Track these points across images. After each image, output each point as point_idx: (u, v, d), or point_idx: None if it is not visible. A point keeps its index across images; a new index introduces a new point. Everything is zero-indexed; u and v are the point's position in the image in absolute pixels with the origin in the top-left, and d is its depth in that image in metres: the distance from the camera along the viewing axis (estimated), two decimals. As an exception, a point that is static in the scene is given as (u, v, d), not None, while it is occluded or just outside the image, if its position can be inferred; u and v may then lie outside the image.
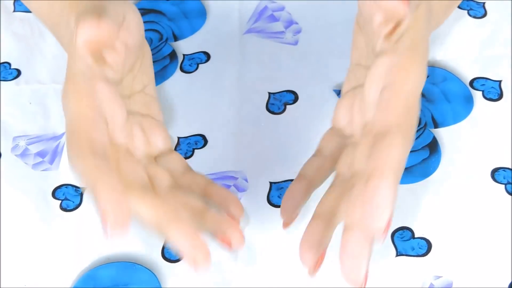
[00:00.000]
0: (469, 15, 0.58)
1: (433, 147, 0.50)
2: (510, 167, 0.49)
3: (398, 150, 0.33)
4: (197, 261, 0.37)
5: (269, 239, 0.47)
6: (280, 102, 0.54)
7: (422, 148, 0.50)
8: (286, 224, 0.42)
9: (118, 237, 0.34)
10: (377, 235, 0.32)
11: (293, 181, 0.42)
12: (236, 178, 0.50)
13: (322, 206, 0.39)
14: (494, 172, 0.49)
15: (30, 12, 0.60)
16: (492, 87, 0.53)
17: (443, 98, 0.53)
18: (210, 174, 0.50)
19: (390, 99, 0.35)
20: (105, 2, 0.40)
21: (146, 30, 0.52)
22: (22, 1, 0.56)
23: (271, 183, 0.50)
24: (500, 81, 0.54)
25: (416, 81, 0.36)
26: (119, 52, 0.40)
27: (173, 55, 0.57)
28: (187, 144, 0.52)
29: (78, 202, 0.49)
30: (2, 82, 0.56)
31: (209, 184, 0.43)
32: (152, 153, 0.43)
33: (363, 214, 0.32)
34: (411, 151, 0.49)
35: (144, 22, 0.44)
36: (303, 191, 0.42)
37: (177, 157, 0.44)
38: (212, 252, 0.46)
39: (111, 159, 0.36)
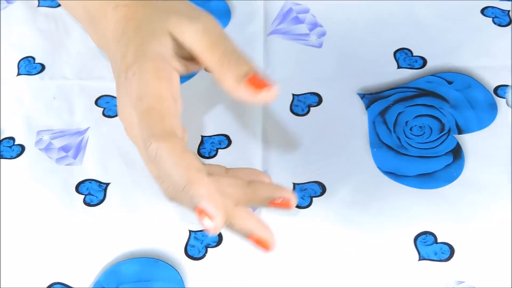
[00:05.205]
0: (494, 23, 0.58)
1: (457, 153, 0.51)
2: (533, 175, 0.50)
3: None
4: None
5: (293, 241, 0.47)
6: (304, 104, 0.54)
7: (446, 153, 0.51)
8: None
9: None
10: None
11: None
12: (260, 178, 0.50)
13: None
14: (518, 180, 0.49)
15: (54, 7, 0.61)
16: (516, 95, 0.53)
17: (468, 105, 0.53)
18: (234, 173, 0.50)
19: None
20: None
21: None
22: None
23: (294, 184, 0.50)
24: (524, 89, 0.54)
25: None
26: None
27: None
28: (211, 143, 0.52)
29: (101, 197, 0.50)
30: (26, 76, 0.56)
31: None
32: None
33: None
34: (434, 157, 0.50)
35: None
36: None
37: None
38: (229, 257, 0.47)
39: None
